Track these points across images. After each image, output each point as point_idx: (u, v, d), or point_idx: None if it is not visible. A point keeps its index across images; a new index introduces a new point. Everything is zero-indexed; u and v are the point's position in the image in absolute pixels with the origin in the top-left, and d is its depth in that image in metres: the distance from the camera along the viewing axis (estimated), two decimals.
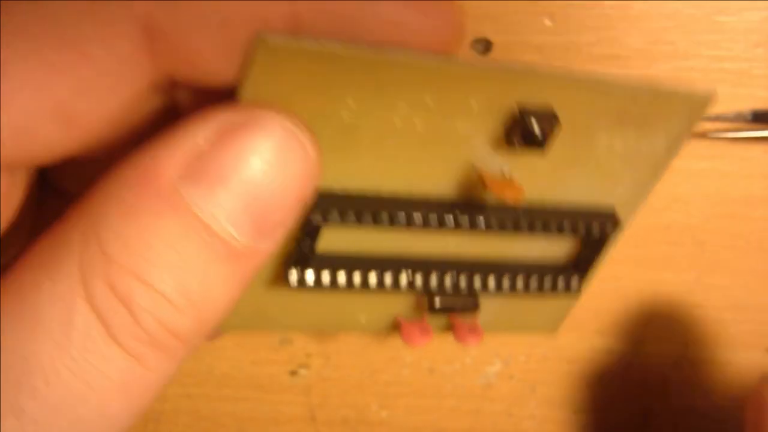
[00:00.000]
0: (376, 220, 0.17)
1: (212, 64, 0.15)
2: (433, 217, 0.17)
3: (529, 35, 0.28)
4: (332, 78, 0.15)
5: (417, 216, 0.17)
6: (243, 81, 0.15)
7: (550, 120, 0.16)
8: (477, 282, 0.19)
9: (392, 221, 0.17)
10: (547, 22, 0.28)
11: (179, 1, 0.14)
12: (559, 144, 0.17)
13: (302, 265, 0.17)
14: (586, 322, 0.29)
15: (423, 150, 0.17)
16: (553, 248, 0.20)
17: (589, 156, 0.18)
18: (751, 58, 0.27)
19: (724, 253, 0.28)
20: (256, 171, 0.14)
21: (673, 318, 0.29)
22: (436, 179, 0.17)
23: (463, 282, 0.19)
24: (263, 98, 0.15)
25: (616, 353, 0.30)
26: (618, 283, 0.29)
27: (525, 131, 0.16)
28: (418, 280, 0.18)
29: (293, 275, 0.17)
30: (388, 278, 0.18)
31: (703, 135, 0.28)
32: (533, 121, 0.16)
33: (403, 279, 0.18)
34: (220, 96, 0.15)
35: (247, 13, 0.14)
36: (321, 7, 0.14)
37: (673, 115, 0.18)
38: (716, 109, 0.28)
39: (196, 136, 0.14)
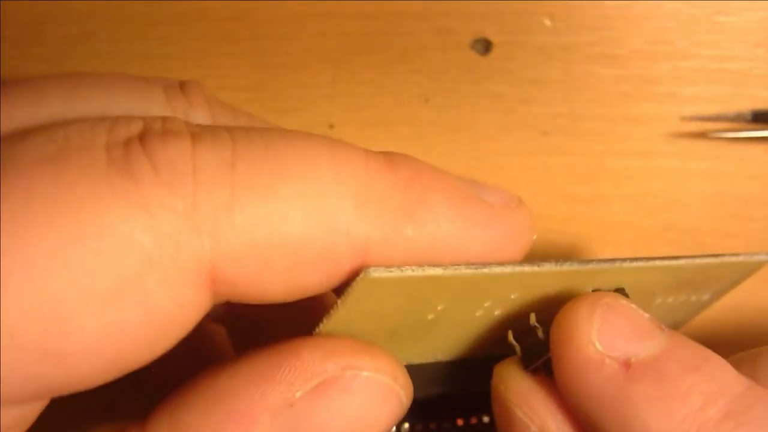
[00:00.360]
0: None
1: (271, 296, 0.15)
2: None
3: (529, 35, 0.28)
4: (427, 293, 0.16)
5: None
6: (334, 311, 0.15)
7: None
8: None
9: None
10: (547, 22, 0.28)
11: (244, 252, 0.14)
12: None
13: None
14: None
15: (493, 329, 0.18)
16: None
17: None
18: (751, 58, 0.27)
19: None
20: (347, 427, 0.15)
21: None
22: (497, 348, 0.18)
23: None
24: (350, 323, 0.15)
25: None
26: None
27: None
28: None
29: None
30: None
31: (703, 135, 0.28)
32: None
33: None
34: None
35: (315, 259, 0.15)
36: (393, 239, 0.15)
37: (728, 276, 0.19)
38: (716, 109, 0.28)
39: (292, 384, 0.14)
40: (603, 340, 0.16)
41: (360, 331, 0.16)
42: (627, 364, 0.16)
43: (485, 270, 0.15)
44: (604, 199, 0.28)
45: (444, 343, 0.18)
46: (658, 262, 0.17)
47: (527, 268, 0.16)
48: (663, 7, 0.27)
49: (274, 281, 0.14)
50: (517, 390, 0.17)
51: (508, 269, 0.16)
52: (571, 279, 0.17)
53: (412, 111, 0.28)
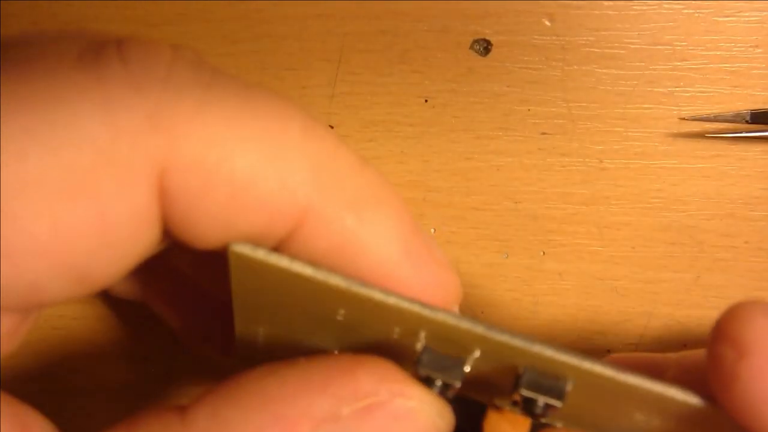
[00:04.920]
0: None
1: (206, 234, 0.15)
2: None
3: (529, 35, 0.28)
4: (315, 290, 0.15)
5: None
6: (231, 288, 0.15)
7: (558, 393, 0.16)
8: None
9: None
10: (547, 23, 0.28)
11: (195, 168, 0.14)
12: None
13: None
14: (586, 323, 0.29)
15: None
16: None
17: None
18: (750, 58, 0.27)
19: (723, 253, 0.28)
20: None
21: (672, 318, 0.29)
22: None
23: None
24: (252, 306, 0.15)
25: (615, 353, 0.30)
26: (617, 283, 0.29)
27: (527, 406, 0.16)
28: None
29: None
30: None
31: (702, 135, 0.28)
32: (538, 399, 0.16)
33: None
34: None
35: (255, 203, 0.14)
36: (330, 221, 0.15)
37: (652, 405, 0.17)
38: (715, 109, 0.28)
39: (341, 400, 0.15)
40: None
41: (261, 309, 0.16)
42: None
43: (358, 289, 0.15)
44: (603, 199, 0.28)
45: (366, 344, 0.17)
46: (598, 368, 0.16)
47: (416, 308, 0.15)
48: (662, 7, 0.27)
49: (212, 213, 0.14)
50: None
51: (391, 300, 0.15)
52: (496, 348, 0.16)
53: (412, 111, 0.28)
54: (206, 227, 0.15)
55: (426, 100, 0.28)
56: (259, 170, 0.14)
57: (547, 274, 0.29)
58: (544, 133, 0.28)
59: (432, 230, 0.29)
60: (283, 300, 0.16)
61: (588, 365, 0.16)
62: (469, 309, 0.29)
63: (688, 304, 0.29)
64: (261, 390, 0.15)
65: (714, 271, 0.29)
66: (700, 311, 0.29)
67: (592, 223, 0.28)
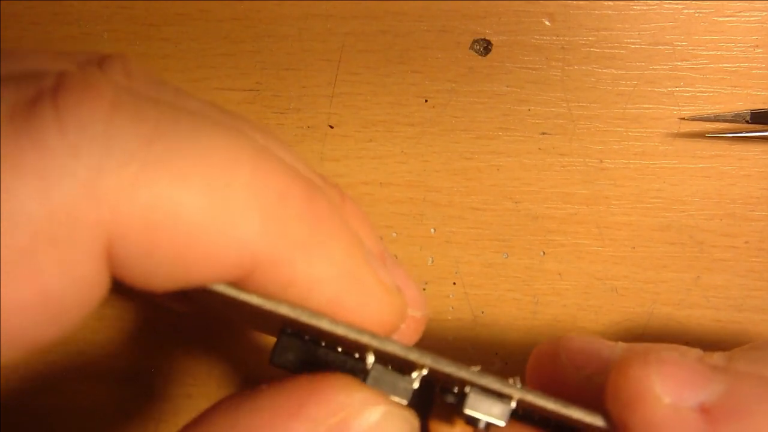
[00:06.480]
0: None
1: (157, 282, 0.15)
2: None
3: (528, 35, 0.28)
4: (273, 317, 0.16)
5: None
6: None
7: (501, 414, 0.17)
8: None
9: None
10: (547, 23, 0.28)
11: (141, 232, 0.14)
12: None
13: None
14: (587, 323, 0.29)
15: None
16: None
17: None
18: (750, 59, 0.27)
19: (723, 253, 0.28)
20: None
21: (672, 318, 0.29)
22: None
23: None
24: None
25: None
26: (617, 283, 0.29)
27: (471, 422, 0.17)
28: None
29: None
30: None
31: (702, 135, 0.28)
32: (482, 419, 0.17)
33: None
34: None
35: (203, 258, 0.15)
36: (280, 265, 0.15)
37: None
38: (715, 109, 0.28)
39: (316, 420, 0.15)
40: (670, 393, 0.16)
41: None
42: (705, 410, 0.16)
43: (308, 319, 0.16)
44: (602, 198, 0.28)
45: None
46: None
47: (365, 339, 0.16)
48: (662, 7, 0.27)
49: (162, 266, 0.14)
50: None
51: (339, 329, 0.16)
52: (445, 376, 0.17)
53: (412, 111, 0.28)
54: (156, 279, 0.15)
55: (426, 100, 0.28)
56: (205, 227, 0.14)
57: (547, 274, 0.29)
58: (544, 133, 0.28)
59: (432, 230, 0.29)
60: (244, 311, 0.17)
61: (531, 398, 0.17)
62: (469, 309, 0.29)
63: (688, 304, 0.29)
64: (235, 424, 0.15)
65: (714, 271, 0.29)
66: (700, 311, 0.29)
67: (592, 223, 0.28)
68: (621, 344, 0.21)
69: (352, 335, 0.16)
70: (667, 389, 0.16)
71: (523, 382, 0.17)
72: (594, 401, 0.18)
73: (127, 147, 0.13)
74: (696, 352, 0.20)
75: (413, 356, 0.16)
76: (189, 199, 0.14)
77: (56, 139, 0.13)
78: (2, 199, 0.12)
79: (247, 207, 0.14)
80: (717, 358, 0.18)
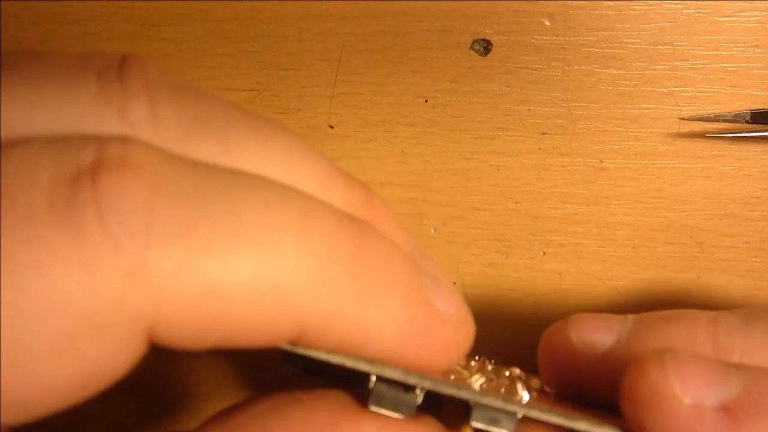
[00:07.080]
0: None
1: (201, 348, 0.15)
2: None
3: (528, 35, 0.28)
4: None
5: None
6: None
7: (507, 426, 0.17)
8: None
9: None
10: (547, 23, 0.28)
11: (186, 317, 0.14)
12: None
13: None
14: None
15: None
16: None
17: None
18: (750, 59, 0.27)
19: (723, 253, 0.28)
20: None
21: None
22: None
23: None
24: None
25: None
26: (617, 283, 0.29)
27: None
28: None
29: None
30: None
31: (702, 135, 0.28)
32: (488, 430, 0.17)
33: None
34: None
35: (252, 330, 0.14)
36: (333, 324, 0.15)
37: None
38: (715, 109, 0.28)
39: None
40: (690, 393, 0.16)
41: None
42: (726, 409, 0.16)
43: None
44: (602, 198, 0.28)
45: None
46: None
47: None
48: (662, 7, 0.27)
49: (207, 339, 0.14)
50: None
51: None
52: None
53: (412, 111, 0.28)
54: (197, 346, 0.14)
55: (426, 100, 0.28)
56: (252, 303, 0.14)
57: (547, 274, 0.29)
58: (544, 133, 0.28)
59: (432, 230, 0.29)
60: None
61: (535, 413, 0.17)
62: (469, 309, 0.29)
63: (688, 304, 0.29)
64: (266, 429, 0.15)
65: (714, 271, 0.29)
66: None
67: (592, 223, 0.28)
68: (631, 316, 0.21)
69: (349, 363, 0.16)
70: (686, 390, 0.16)
71: (532, 382, 0.17)
72: (610, 384, 0.18)
73: (169, 235, 0.13)
74: (706, 314, 0.20)
75: (413, 380, 0.16)
76: (234, 279, 0.14)
77: (98, 234, 0.13)
78: (49, 287, 0.12)
79: (294, 276, 0.14)
80: (732, 317, 0.18)
